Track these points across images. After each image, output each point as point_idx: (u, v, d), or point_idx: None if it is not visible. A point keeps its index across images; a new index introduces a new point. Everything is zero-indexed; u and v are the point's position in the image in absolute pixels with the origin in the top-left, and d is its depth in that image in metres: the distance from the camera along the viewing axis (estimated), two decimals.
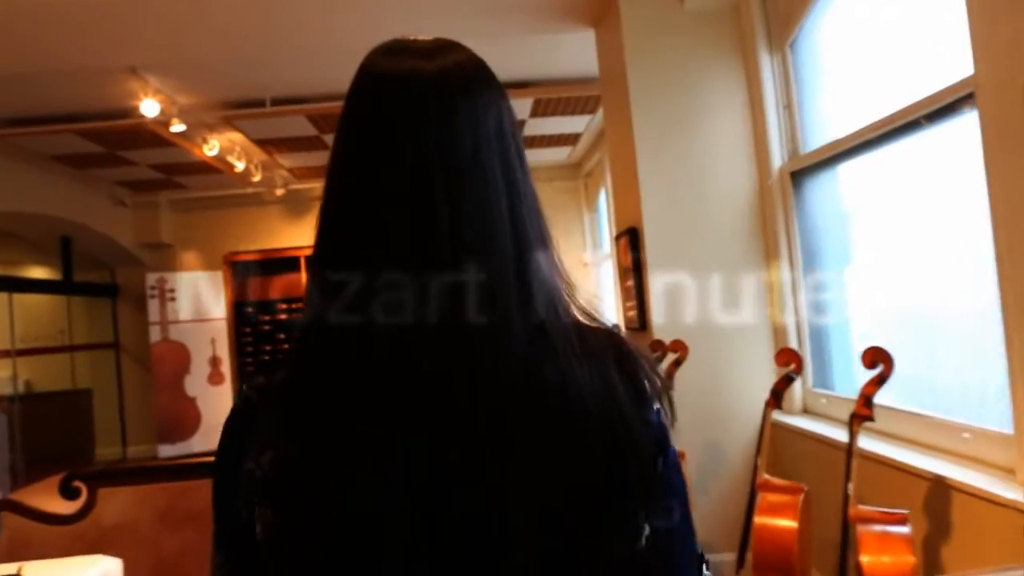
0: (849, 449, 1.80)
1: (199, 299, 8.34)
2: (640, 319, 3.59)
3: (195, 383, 8.20)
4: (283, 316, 8.72)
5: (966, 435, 2.07)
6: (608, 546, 0.60)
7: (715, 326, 3.43)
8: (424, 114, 0.63)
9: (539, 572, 0.57)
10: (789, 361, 2.19)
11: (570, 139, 7.11)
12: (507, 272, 0.62)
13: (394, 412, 0.59)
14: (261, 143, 6.30)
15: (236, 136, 6.17)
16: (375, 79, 0.67)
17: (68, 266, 7.88)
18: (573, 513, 0.58)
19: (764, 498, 2.03)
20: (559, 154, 7.69)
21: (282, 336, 8.68)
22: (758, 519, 2.00)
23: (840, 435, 2.72)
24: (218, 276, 8.52)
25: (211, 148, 5.95)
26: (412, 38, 0.70)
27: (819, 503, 2.35)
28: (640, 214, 3.51)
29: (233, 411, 0.68)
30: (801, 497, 2.00)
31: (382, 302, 0.60)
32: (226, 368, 8.41)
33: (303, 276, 8.65)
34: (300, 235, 8.77)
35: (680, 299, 3.43)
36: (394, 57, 0.67)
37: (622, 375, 0.64)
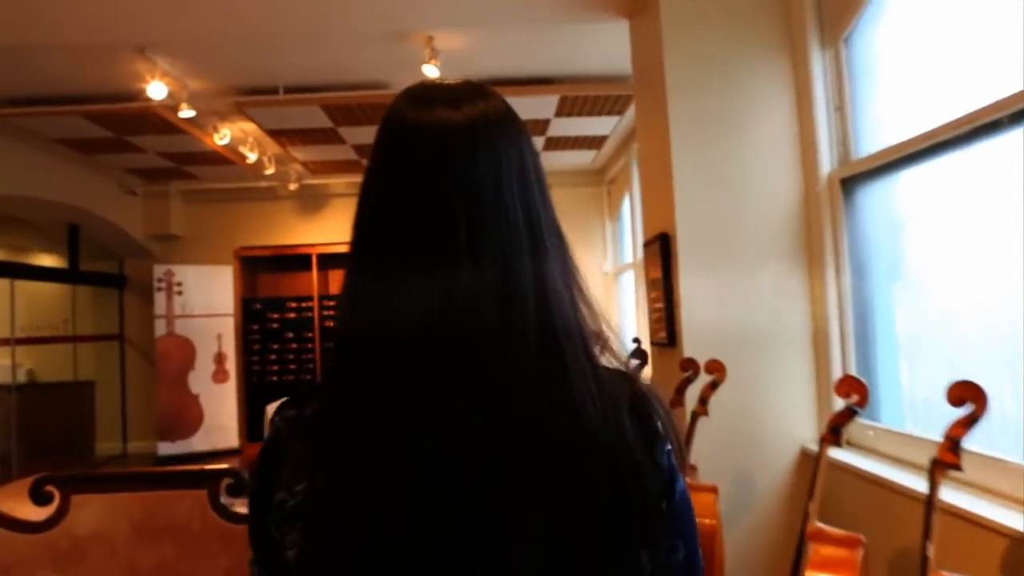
0: (929, 502, 1.50)
1: (207, 294, 8.13)
2: (669, 334, 3.30)
3: (199, 380, 7.99)
4: (292, 315, 8.49)
5: None
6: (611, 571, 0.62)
7: (751, 343, 3.13)
8: (447, 161, 0.66)
9: None
10: (851, 392, 1.89)
11: (595, 142, 6.83)
12: (528, 306, 0.64)
13: (416, 439, 0.61)
14: (274, 134, 6.07)
15: (249, 126, 5.95)
16: (402, 130, 0.69)
17: (75, 254, 7.70)
18: (578, 540, 0.61)
19: (817, 551, 1.74)
20: (583, 158, 7.41)
21: (291, 335, 8.45)
22: (810, 575, 1.70)
23: (895, 476, 2.41)
24: (227, 271, 8.31)
25: (222, 137, 5.73)
26: (440, 82, 0.72)
27: (875, 557, 2.05)
28: (673, 219, 3.22)
29: (266, 443, 0.69)
30: (860, 552, 1.71)
31: (405, 328, 0.63)
32: (231, 365, 8.19)
33: (315, 274, 8.42)
34: (313, 231, 8.55)
35: (714, 313, 3.14)
36: (422, 106, 0.69)
37: (634, 416, 0.66)
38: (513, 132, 0.70)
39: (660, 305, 3.41)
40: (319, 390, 0.70)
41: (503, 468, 0.60)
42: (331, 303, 8.51)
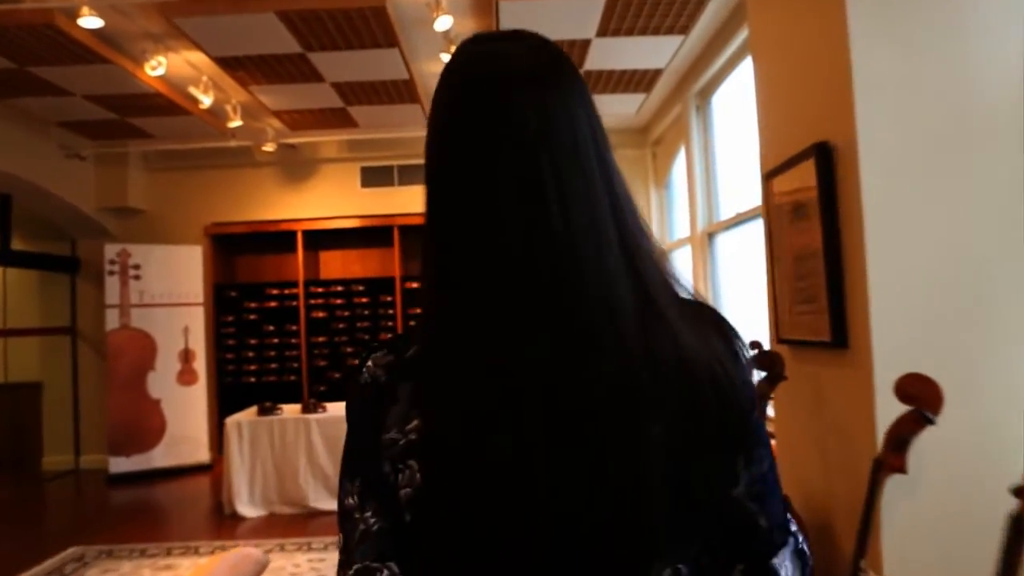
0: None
1: (171, 278, 6.78)
2: (835, 326, 1.84)
3: (160, 382, 6.64)
4: (274, 304, 7.10)
5: None
6: (715, 488, 0.66)
7: (979, 346, 1.69)
8: (518, 93, 0.66)
9: (667, 519, 0.63)
10: None
11: (645, 80, 5.35)
12: (612, 247, 0.66)
13: (521, 375, 0.62)
14: (228, 65, 4.65)
15: (196, 56, 4.55)
16: (467, 57, 0.71)
17: (5, 231, 6.33)
18: (691, 449, 0.64)
19: None
20: (626, 106, 5.93)
21: (272, 328, 7.07)
22: None
23: None
24: (196, 251, 6.95)
25: (155, 67, 4.33)
26: (499, 34, 0.74)
27: None
28: (850, 118, 1.76)
29: (361, 388, 0.70)
30: None
31: (499, 276, 0.64)
32: (201, 364, 6.84)
33: (300, 255, 7.03)
34: (299, 204, 7.16)
35: (925, 297, 1.69)
36: (483, 41, 0.72)
37: (720, 338, 0.69)
38: (580, 81, 0.71)
39: (815, 274, 1.95)
40: (408, 336, 0.71)
41: (616, 392, 0.62)
42: (320, 290, 7.12)
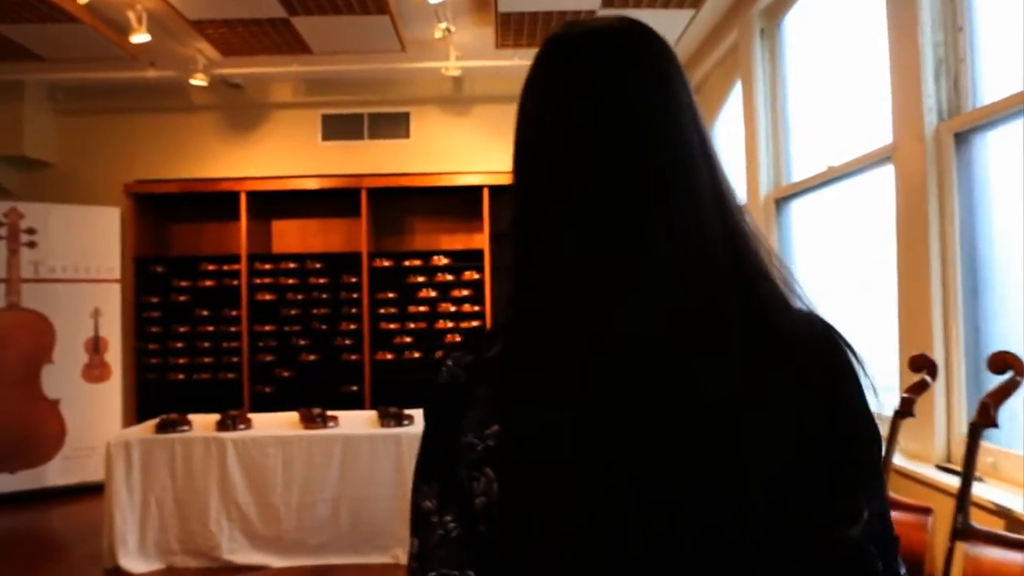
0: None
1: (78, 247, 5.39)
2: None
3: (60, 377, 5.27)
4: (210, 282, 5.70)
5: None
6: (829, 525, 0.59)
7: None
8: (614, 67, 0.64)
9: (762, 547, 0.57)
10: None
11: None
12: (717, 242, 0.62)
13: (610, 386, 0.59)
14: None
15: None
16: (566, 38, 0.67)
17: None
18: (799, 479, 0.58)
19: None
20: (664, 27, 4.51)
21: (207, 313, 5.67)
22: None
23: None
24: (113, 214, 5.55)
25: None
26: (595, 20, 0.70)
27: None
28: None
29: (444, 388, 0.67)
30: None
31: (592, 271, 0.61)
32: (115, 356, 5.45)
33: (243, 223, 5.63)
34: (243, 159, 5.78)
35: None
36: (579, 23, 0.68)
37: (842, 362, 0.63)
38: (678, 61, 0.67)
39: None
40: (494, 335, 0.67)
41: (718, 415, 0.58)
42: (268, 266, 5.73)
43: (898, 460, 2.20)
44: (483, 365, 0.65)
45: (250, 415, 3.97)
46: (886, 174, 2.80)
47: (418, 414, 4.01)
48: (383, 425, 3.81)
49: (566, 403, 0.58)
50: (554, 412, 0.59)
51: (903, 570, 0.64)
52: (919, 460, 2.41)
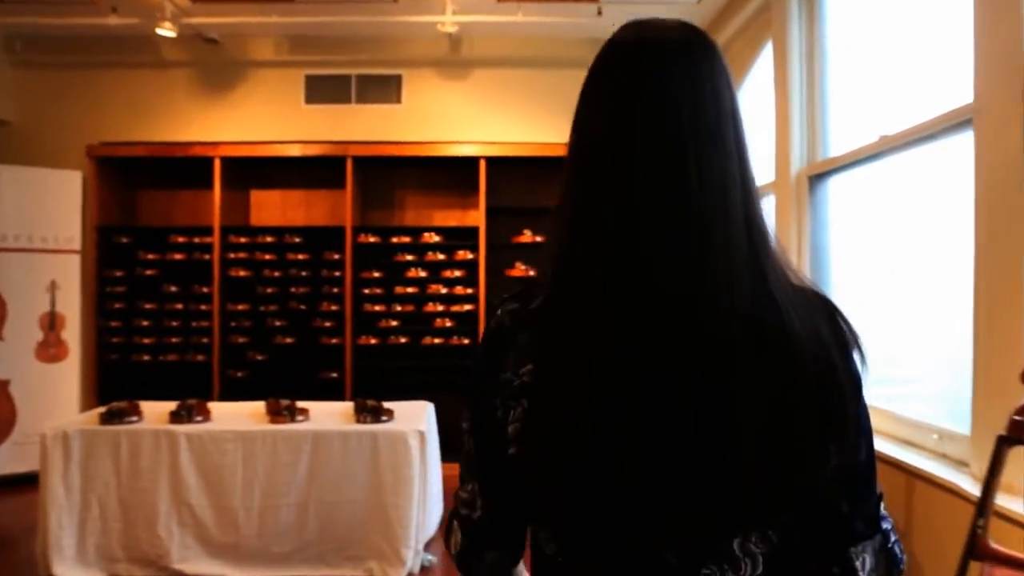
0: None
1: (34, 215, 4.93)
2: None
3: (10, 356, 4.85)
4: (179, 255, 5.22)
5: None
6: (804, 465, 0.69)
7: None
8: (671, 72, 0.72)
9: (752, 479, 0.67)
10: None
11: None
12: (739, 227, 0.71)
13: (635, 334, 0.69)
14: None
15: None
16: (626, 43, 0.75)
17: None
18: (785, 420, 0.68)
19: None
20: None
21: (175, 289, 5.20)
22: None
23: None
24: (73, 179, 5.08)
25: None
26: (656, 21, 0.77)
27: None
28: None
29: (492, 331, 0.78)
30: None
31: (629, 241, 0.70)
32: (73, 334, 4.99)
33: (217, 192, 5.15)
34: (217, 123, 5.30)
35: None
36: (639, 28, 0.76)
37: (829, 326, 0.72)
38: (725, 61, 0.75)
39: None
40: (539, 287, 0.77)
41: (720, 352, 0.67)
42: (243, 240, 5.25)
43: (1004, 501, 1.74)
44: (526, 314, 0.76)
45: (209, 405, 3.51)
46: (959, 143, 2.34)
47: (400, 408, 3.59)
48: (359, 421, 3.36)
49: (594, 347, 0.69)
50: (582, 355, 0.69)
51: (887, 523, 0.76)
52: None
